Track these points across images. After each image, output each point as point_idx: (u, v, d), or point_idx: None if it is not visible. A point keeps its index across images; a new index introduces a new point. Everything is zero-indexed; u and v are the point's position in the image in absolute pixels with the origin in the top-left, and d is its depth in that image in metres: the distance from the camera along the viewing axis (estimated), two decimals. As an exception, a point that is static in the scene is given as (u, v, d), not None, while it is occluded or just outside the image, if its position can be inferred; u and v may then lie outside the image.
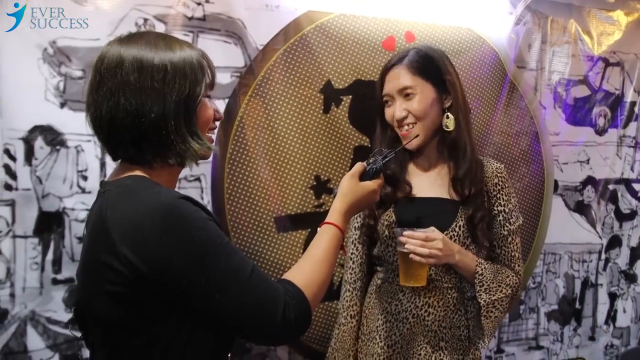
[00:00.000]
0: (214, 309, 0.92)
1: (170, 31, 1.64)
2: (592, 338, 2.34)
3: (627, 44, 2.26)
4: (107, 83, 0.94)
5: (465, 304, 1.52)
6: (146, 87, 0.93)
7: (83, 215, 1.60)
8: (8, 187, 1.54)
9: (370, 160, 1.27)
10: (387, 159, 1.28)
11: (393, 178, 1.49)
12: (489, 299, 1.44)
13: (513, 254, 1.53)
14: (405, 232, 1.36)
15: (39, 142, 1.56)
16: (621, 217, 2.36)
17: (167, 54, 0.96)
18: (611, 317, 2.37)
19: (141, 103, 0.93)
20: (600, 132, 2.27)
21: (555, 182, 2.21)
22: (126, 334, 0.95)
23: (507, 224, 1.52)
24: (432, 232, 1.38)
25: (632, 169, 2.35)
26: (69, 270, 1.60)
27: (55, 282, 1.59)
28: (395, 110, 1.45)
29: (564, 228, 2.23)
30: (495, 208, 1.52)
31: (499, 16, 2.02)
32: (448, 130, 1.47)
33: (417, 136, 1.44)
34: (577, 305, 2.28)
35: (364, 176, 1.24)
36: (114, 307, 0.92)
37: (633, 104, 2.33)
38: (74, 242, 1.60)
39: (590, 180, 2.27)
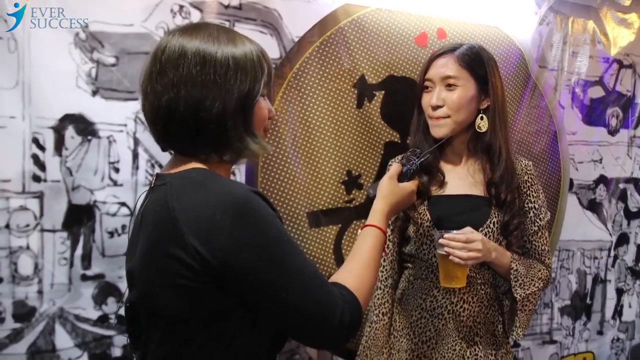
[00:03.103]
0: (277, 307, 0.90)
1: (206, 19, 1.60)
2: (600, 332, 2.41)
3: (640, 47, 2.32)
4: (168, 74, 0.92)
5: (500, 298, 1.54)
6: (209, 81, 0.91)
7: (114, 208, 1.54)
8: (36, 179, 1.46)
9: (404, 161, 1.29)
10: (422, 159, 1.29)
11: (427, 167, 1.49)
12: (524, 293, 1.47)
13: (543, 247, 1.56)
14: (446, 235, 1.36)
15: (69, 132, 1.48)
16: (629, 215, 2.43)
17: (229, 48, 0.94)
18: (618, 311, 2.46)
19: (203, 97, 0.91)
20: (613, 132, 2.33)
21: (571, 180, 2.26)
22: (189, 330, 0.92)
23: (538, 220, 1.55)
24: (471, 233, 1.39)
25: (640, 169, 2.43)
26: (99, 266, 1.54)
27: (84, 278, 1.52)
28: (433, 97, 1.46)
29: (577, 225, 2.28)
30: (526, 205, 1.54)
31: (525, 16, 2.04)
32: (480, 131, 1.48)
33: (447, 138, 1.45)
34: (588, 301, 2.35)
35: (401, 177, 1.26)
36: (180, 302, 0.90)
37: (644, 105, 2.40)
38: (105, 237, 1.53)
39: (602, 179, 2.33)
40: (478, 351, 1.50)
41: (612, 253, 2.40)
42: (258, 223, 0.89)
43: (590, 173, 2.31)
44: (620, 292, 2.45)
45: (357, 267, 1.04)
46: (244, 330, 0.94)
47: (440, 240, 1.37)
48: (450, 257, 1.35)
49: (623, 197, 2.40)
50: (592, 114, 2.25)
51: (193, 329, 0.92)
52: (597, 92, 2.26)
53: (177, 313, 0.92)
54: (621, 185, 2.39)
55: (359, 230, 1.15)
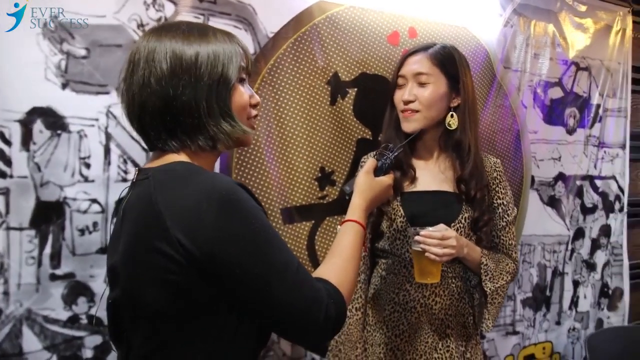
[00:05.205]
0: (262, 302, 0.90)
1: (180, 12, 1.57)
2: (558, 322, 2.51)
3: (594, 51, 2.43)
4: (139, 71, 0.94)
5: (470, 292, 1.58)
6: (178, 72, 0.93)
7: (85, 205, 1.49)
8: (2, 175, 1.39)
9: (378, 156, 1.31)
10: (396, 154, 1.33)
11: (398, 162, 1.51)
12: (493, 286, 1.51)
13: (510, 242, 1.61)
14: (422, 232, 1.39)
15: (38, 126, 1.42)
16: (585, 210, 2.55)
17: (200, 41, 0.95)
18: (574, 302, 2.56)
19: (173, 86, 0.92)
20: (570, 131, 2.43)
21: (532, 177, 2.34)
22: (174, 326, 0.91)
23: (505, 216, 1.60)
24: (445, 230, 1.43)
25: (595, 167, 2.54)
26: (69, 265, 1.48)
27: (53, 277, 1.46)
28: (405, 93, 1.50)
29: (538, 221, 2.37)
30: (495, 201, 1.59)
31: (491, 17, 2.11)
32: (450, 128, 1.52)
33: (418, 133, 1.49)
34: (548, 293, 2.45)
35: (376, 172, 1.27)
36: (165, 296, 0.89)
37: (598, 106, 2.52)
38: (75, 235, 1.48)
39: (561, 176, 2.43)
40: (450, 343, 1.54)
41: (570, 247, 2.50)
42: (243, 215, 0.88)
43: (550, 170, 2.40)
44: (576, 284, 2.55)
45: (340, 262, 1.04)
46: (229, 326, 0.93)
47: (417, 238, 1.39)
48: (427, 254, 1.38)
49: (579, 193, 2.51)
50: (552, 114, 2.35)
51: (178, 325, 0.91)
52: (556, 93, 2.36)
53: (162, 308, 0.90)
54: (578, 182, 2.50)
55: (338, 226, 1.15)
